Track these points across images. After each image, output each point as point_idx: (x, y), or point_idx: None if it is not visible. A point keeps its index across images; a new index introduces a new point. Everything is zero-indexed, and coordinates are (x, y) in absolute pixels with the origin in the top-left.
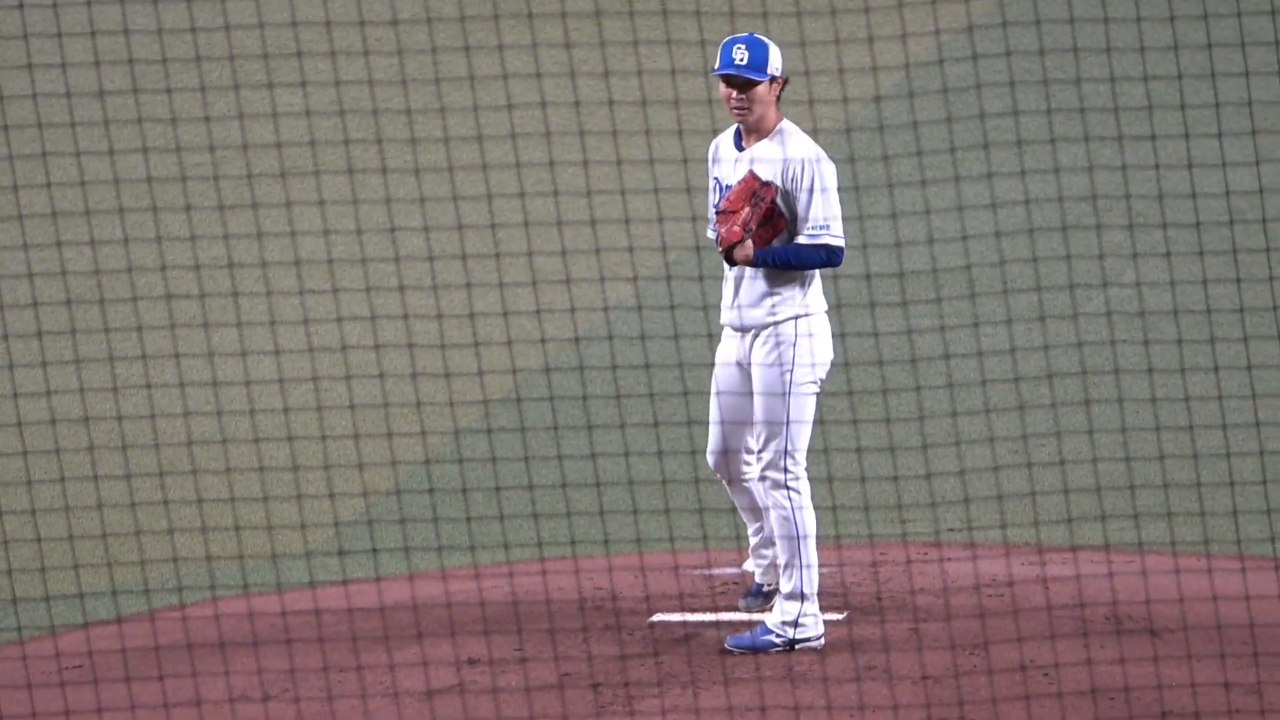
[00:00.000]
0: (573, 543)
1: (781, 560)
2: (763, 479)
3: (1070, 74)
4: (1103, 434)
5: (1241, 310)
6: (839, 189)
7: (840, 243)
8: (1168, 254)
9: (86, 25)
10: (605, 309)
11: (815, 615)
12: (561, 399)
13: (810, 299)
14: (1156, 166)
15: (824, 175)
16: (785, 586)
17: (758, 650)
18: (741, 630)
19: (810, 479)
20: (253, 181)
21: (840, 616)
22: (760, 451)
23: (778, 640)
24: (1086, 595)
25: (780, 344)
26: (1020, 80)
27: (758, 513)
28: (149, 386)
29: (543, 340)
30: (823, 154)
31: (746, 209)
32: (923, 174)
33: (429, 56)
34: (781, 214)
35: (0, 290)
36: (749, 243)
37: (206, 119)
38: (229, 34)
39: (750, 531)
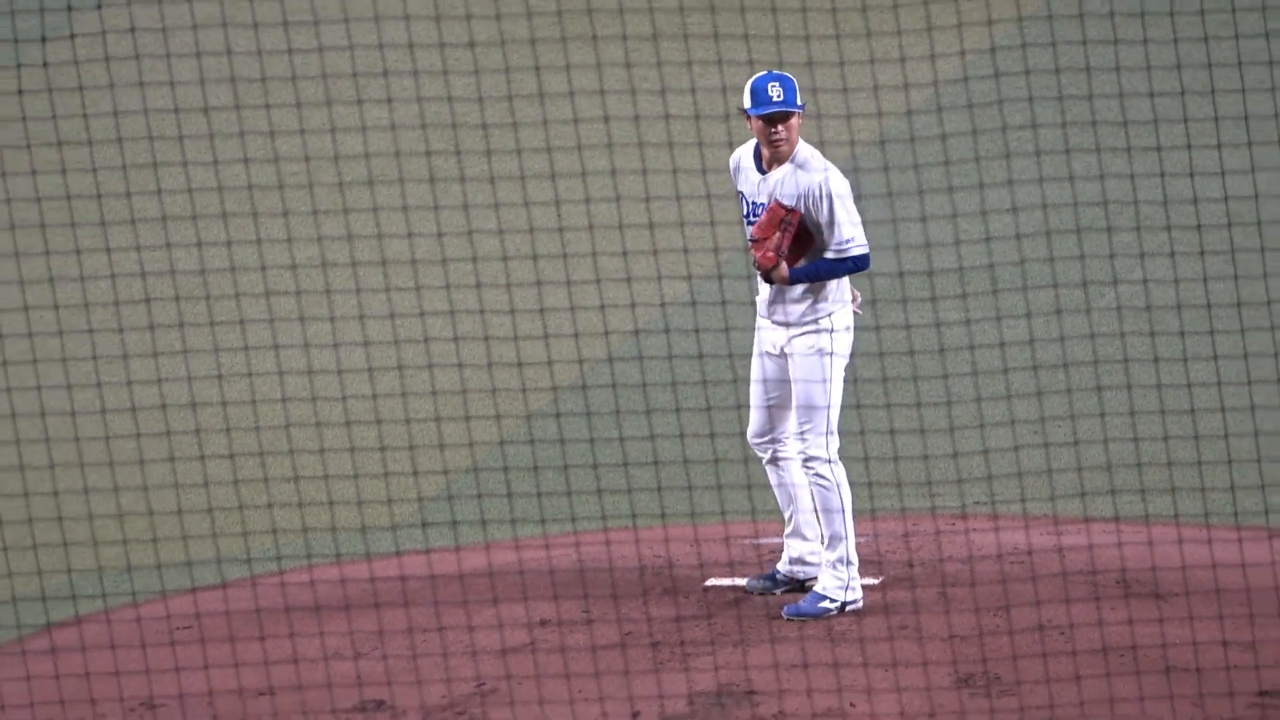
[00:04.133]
0: (633, 516)
1: (826, 533)
2: (806, 458)
3: (1084, 90)
4: (1113, 417)
5: (1239, 305)
6: (856, 197)
7: (864, 250)
8: (1172, 254)
9: (193, 47)
10: (662, 304)
11: (858, 580)
12: (623, 386)
13: (841, 296)
14: (1161, 174)
15: (839, 195)
16: (830, 556)
17: (816, 617)
18: (792, 600)
19: (847, 458)
20: (343, 189)
21: (876, 581)
22: (803, 433)
23: (831, 606)
24: (1098, 563)
25: (819, 335)
26: (1038, 96)
27: (789, 494)
28: (250, 374)
29: (606, 333)
30: (832, 171)
31: (777, 234)
32: (950, 181)
33: (503, 75)
34: (809, 230)
35: (116, 287)
36: (783, 265)
37: (301, 132)
38: (321, 55)
39: (785, 516)
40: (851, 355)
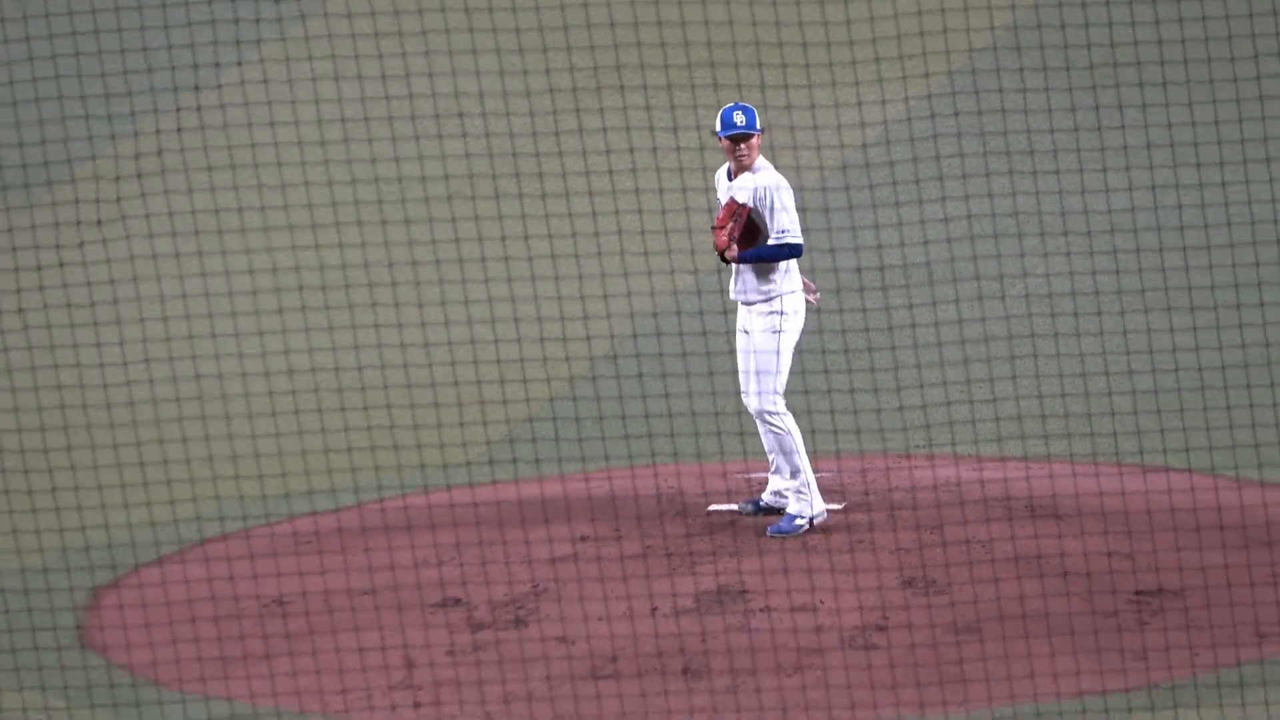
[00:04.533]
0: (653, 456)
1: (786, 469)
2: (759, 411)
3: (1000, 128)
4: (1022, 379)
5: (1119, 292)
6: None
7: (797, 241)
8: (1068, 253)
9: (311, 95)
10: (674, 292)
11: (819, 498)
12: (645, 356)
13: (791, 282)
14: (1060, 192)
15: (782, 197)
16: (794, 484)
17: (791, 533)
18: (773, 521)
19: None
20: (428, 203)
21: (840, 506)
22: (758, 392)
23: (802, 522)
24: (1011, 491)
25: (771, 316)
26: (965, 132)
27: (770, 444)
28: (355, 347)
29: (631, 315)
30: (783, 182)
31: (731, 224)
32: (896, 197)
33: (551, 116)
34: (758, 226)
35: (301, 279)
36: (734, 247)
37: (396, 160)
38: (412, 102)
39: (769, 458)
40: (805, 332)
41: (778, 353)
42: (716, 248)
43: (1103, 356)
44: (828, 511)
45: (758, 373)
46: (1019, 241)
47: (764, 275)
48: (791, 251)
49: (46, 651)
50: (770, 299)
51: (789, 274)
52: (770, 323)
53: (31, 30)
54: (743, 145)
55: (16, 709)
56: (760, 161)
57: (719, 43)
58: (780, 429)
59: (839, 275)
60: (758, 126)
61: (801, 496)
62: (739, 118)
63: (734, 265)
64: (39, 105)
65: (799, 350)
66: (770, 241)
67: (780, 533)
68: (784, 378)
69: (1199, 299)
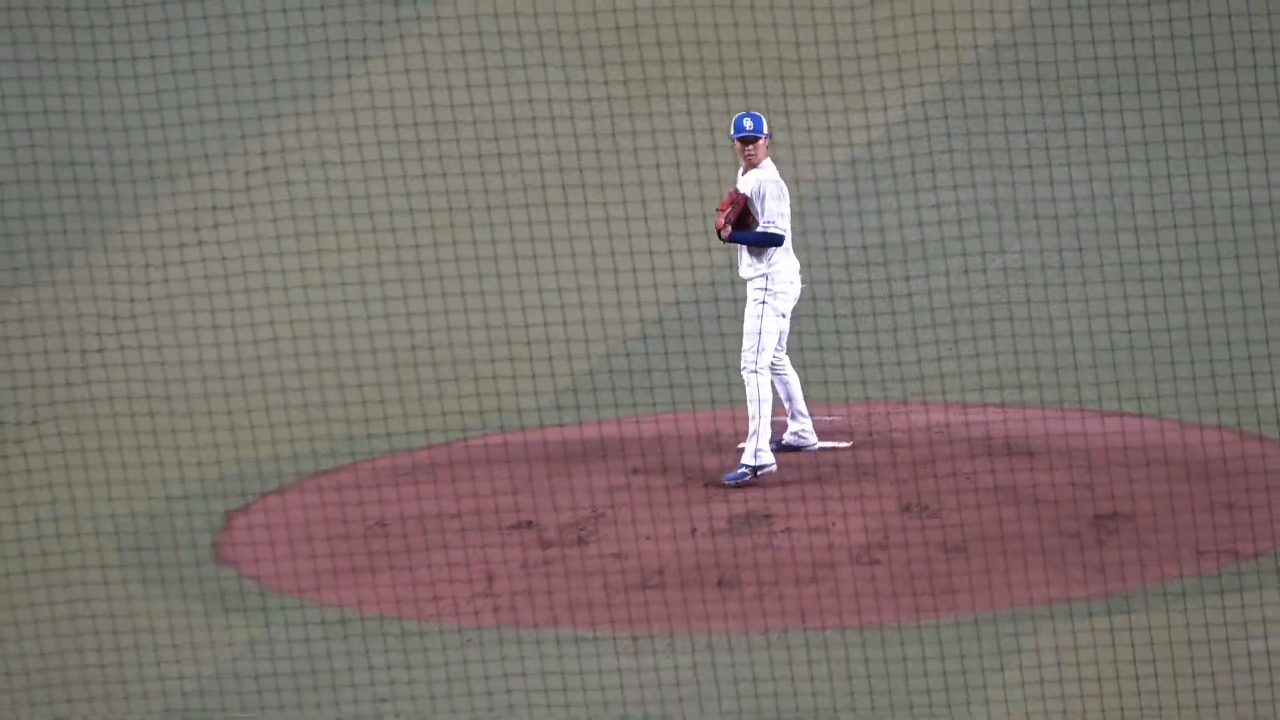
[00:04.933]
0: (692, 403)
1: (805, 415)
2: (742, 365)
3: (982, 128)
4: (1000, 338)
5: (1081, 266)
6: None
7: (779, 231)
8: (1038, 234)
9: (409, 101)
10: (711, 267)
11: (767, 451)
12: (686, 320)
13: (781, 266)
14: (1032, 183)
15: (774, 192)
16: (750, 433)
17: (737, 481)
18: (730, 470)
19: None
20: (505, 193)
21: (848, 444)
22: (743, 350)
23: (744, 472)
24: (990, 432)
25: (759, 291)
26: (952, 133)
27: (786, 392)
28: (445, 312)
29: (675, 286)
30: (778, 179)
31: (730, 209)
32: (896, 187)
33: (608, 119)
34: (751, 214)
35: (400, 256)
36: (729, 229)
37: (479, 156)
38: (492, 107)
39: (786, 406)
40: (820, 299)
41: (760, 319)
42: (716, 226)
43: (1067, 320)
44: (833, 449)
45: (746, 334)
46: (998, 224)
47: (757, 256)
48: (773, 239)
49: (187, 566)
50: (759, 276)
51: (779, 260)
52: (757, 296)
53: (178, 49)
54: (750, 146)
55: (163, 614)
56: (767, 162)
57: (748, 58)
58: (751, 388)
59: (848, 252)
60: (764, 131)
61: (751, 449)
62: (747, 123)
63: (739, 247)
64: (180, 111)
65: (814, 315)
66: (759, 228)
67: (731, 481)
68: (769, 344)
69: (1147, 272)
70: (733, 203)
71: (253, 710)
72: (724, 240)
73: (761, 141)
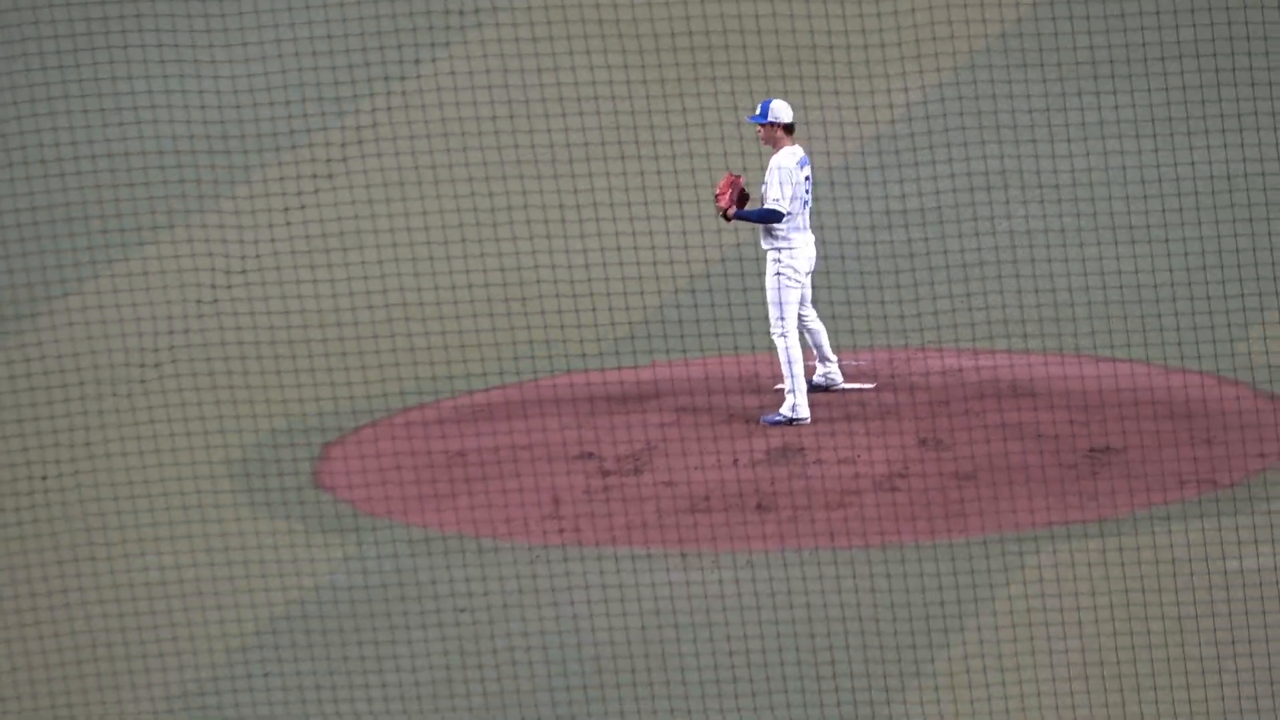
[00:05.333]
0: (735, 348)
1: (833, 360)
2: (770, 332)
3: (992, 108)
4: (1007, 293)
5: (1079, 229)
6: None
7: (779, 208)
8: (1041, 201)
9: (472, 94)
10: (750, 229)
11: (805, 403)
12: (731, 275)
13: (794, 241)
14: (1035, 157)
15: (774, 178)
16: (786, 390)
17: (771, 424)
18: (769, 412)
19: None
20: (571, 164)
21: (871, 386)
22: (770, 319)
23: (780, 419)
24: (998, 376)
25: (772, 264)
26: (965, 112)
27: (811, 340)
28: (519, 269)
29: (720, 246)
30: (782, 165)
31: (730, 191)
32: (916, 159)
33: (662, 99)
34: (746, 194)
35: (478, 218)
36: (732, 209)
37: (548, 130)
38: (560, 87)
39: (815, 353)
40: (849, 258)
41: (779, 290)
42: (719, 208)
43: (1066, 276)
44: (859, 390)
45: (768, 303)
46: (1004, 192)
47: (769, 233)
48: (771, 215)
49: (289, 491)
50: (774, 250)
51: (791, 235)
52: (773, 268)
53: (284, 34)
54: (759, 130)
55: (268, 533)
56: (786, 146)
57: (785, 46)
58: (782, 346)
59: (873, 215)
60: (767, 119)
61: (787, 402)
62: (757, 110)
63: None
64: (285, 89)
65: (842, 271)
66: (763, 205)
67: (769, 423)
68: (790, 310)
69: (1137, 235)
70: (731, 185)
71: (347, 618)
72: (728, 220)
73: (765, 128)
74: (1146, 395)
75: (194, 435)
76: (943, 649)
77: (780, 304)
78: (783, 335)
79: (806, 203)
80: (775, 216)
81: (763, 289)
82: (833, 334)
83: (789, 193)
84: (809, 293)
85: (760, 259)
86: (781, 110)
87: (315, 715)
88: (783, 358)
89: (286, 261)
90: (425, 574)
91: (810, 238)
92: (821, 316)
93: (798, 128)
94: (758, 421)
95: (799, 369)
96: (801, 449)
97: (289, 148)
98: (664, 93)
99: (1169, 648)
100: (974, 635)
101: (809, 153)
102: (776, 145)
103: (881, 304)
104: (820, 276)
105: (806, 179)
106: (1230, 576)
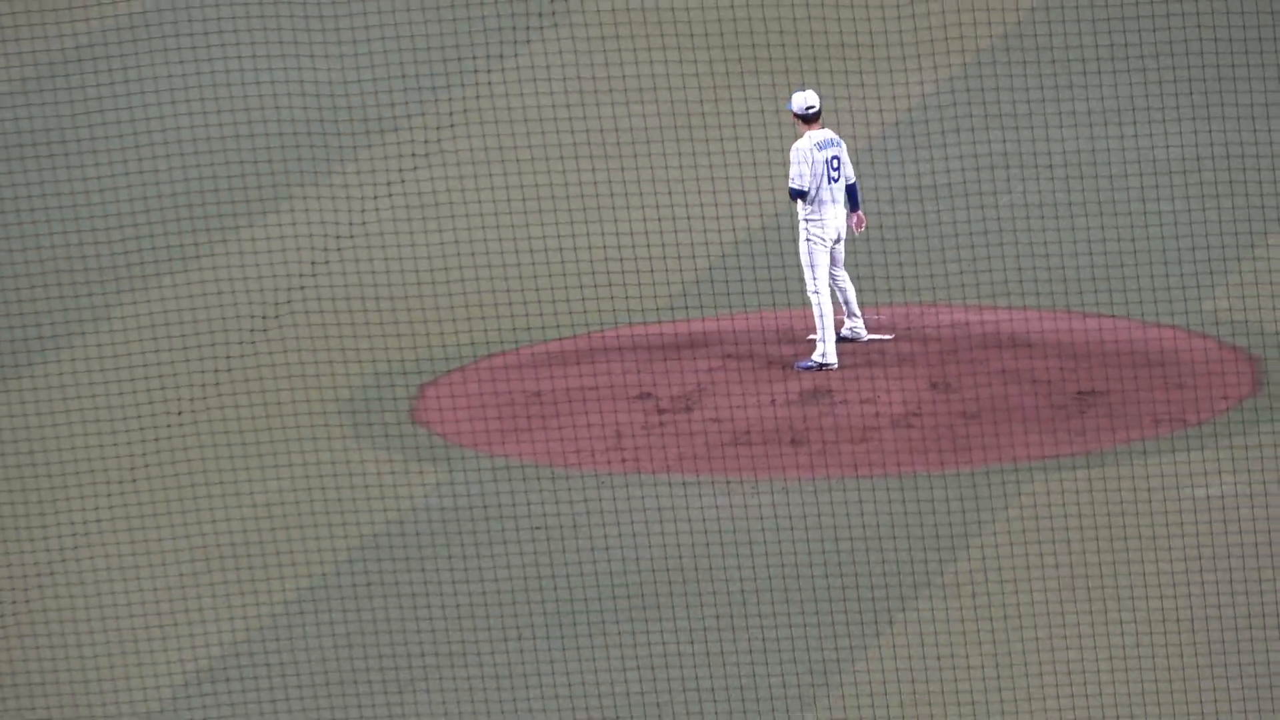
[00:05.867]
0: (774, 304)
1: (859, 315)
2: (804, 290)
3: (995, 99)
4: (1009, 259)
5: (1070, 204)
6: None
7: (796, 186)
8: (1037, 179)
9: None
10: (786, 200)
11: (833, 351)
12: (770, 241)
13: (817, 210)
14: (1032, 140)
15: (791, 157)
16: (818, 340)
17: (805, 369)
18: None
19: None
20: (634, 145)
21: (890, 336)
22: (804, 280)
23: (813, 364)
24: (999, 329)
25: (800, 232)
26: (972, 101)
27: (840, 298)
28: (588, 235)
29: (762, 214)
30: (800, 146)
31: None
32: (929, 142)
33: (712, 89)
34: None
35: (554, 192)
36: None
37: (614, 117)
38: (625, 79)
39: (844, 308)
40: (872, 227)
41: (809, 254)
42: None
43: (1059, 244)
44: (879, 340)
45: (801, 266)
46: (1005, 170)
47: (801, 205)
48: (793, 193)
49: (390, 425)
50: (803, 220)
51: (815, 208)
52: (802, 235)
53: (388, 32)
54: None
55: (372, 462)
56: (808, 131)
57: (819, 44)
58: (815, 302)
59: (893, 190)
60: (790, 108)
61: (818, 349)
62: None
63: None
64: (389, 80)
65: (866, 239)
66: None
67: (802, 368)
68: (820, 272)
69: (1119, 209)
70: None
71: (439, 535)
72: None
73: (792, 116)
74: (1126, 346)
75: (308, 377)
76: (950, 563)
77: (811, 266)
78: (815, 293)
79: (832, 179)
80: (797, 194)
81: (797, 252)
82: (858, 292)
83: (805, 172)
84: (841, 256)
85: (795, 227)
86: (794, 101)
87: (411, 619)
88: (816, 312)
89: (389, 229)
90: (506, 497)
91: (837, 209)
92: (851, 277)
93: (829, 114)
94: (793, 367)
95: (830, 322)
96: (829, 391)
97: (391, 130)
98: (714, 84)
99: (1144, 563)
100: (977, 552)
101: (842, 136)
102: (798, 131)
103: (900, 266)
104: (849, 243)
105: (831, 159)
106: (1197, 502)
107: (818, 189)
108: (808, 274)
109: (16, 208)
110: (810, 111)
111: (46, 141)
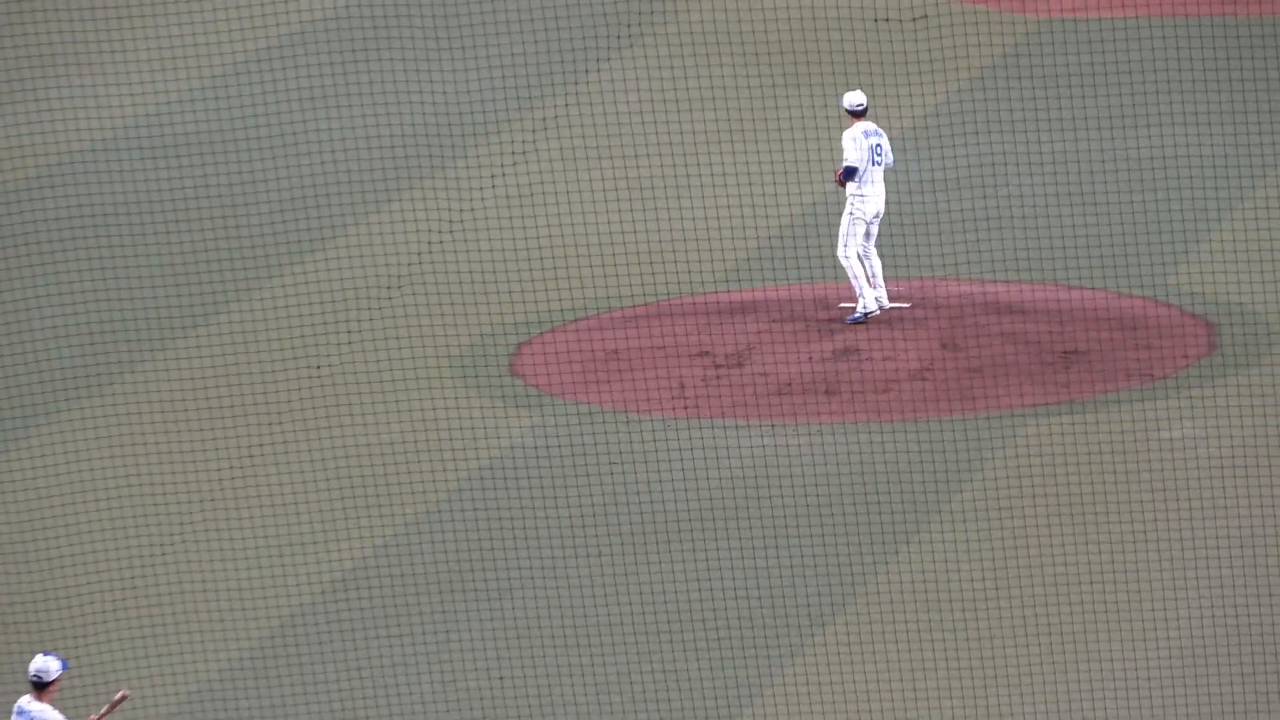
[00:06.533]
0: (812, 277)
1: (855, 289)
2: (836, 255)
3: (997, 109)
4: (1006, 240)
5: (1058, 195)
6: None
7: (850, 163)
8: (1030, 174)
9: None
10: (824, 190)
11: (872, 304)
12: (809, 225)
13: (862, 189)
14: (1027, 143)
15: (843, 142)
16: (857, 295)
17: (853, 323)
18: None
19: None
20: (673, 151)
21: (908, 304)
22: (837, 245)
23: (860, 315)
24: (1001, 299)
25: (848, 202)
26: (978, 110)
27: (869, 269)
28: (658, 219)
29: (812, 200)
30: (851, 133)
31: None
32: (942, 144)
33: (760, 101)
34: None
35: (628, 182)
36: (839, 177)
37: (679, 120)
38: (691, 91)
39: (871, 280)
40: (890, 213)
41: (848, 225)
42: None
43: (1048, 227)
44: (899, 307)
45: (838, 234)
46: (1005, 167)
47: (851, 182)
48: (847, 171)
49: (490, 377)
50: (849, 195)
51: (863, 186)
52: (847, 208)
53: (492, 49)
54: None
55: (477, 407)
56: (855, 124)
57: (849, 61)
58: (846, 266)
59: (910, 184)
60: (843, 104)
61: (859, 303)
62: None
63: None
64: (493, 89)
65: (889, 222)
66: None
67: (851, 321)
68: (853, 241)
69: (1099, 200)
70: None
71: (534, 470)
72: (841, 185)
73: (845, 111)
74: (1104, 313)
75: (425, 337)
76: (958, 493)
77: (846, 235)
78: (845, 258)
79: (877, 163)
80: (850, 172)
81: (833, 236)
82: (882, 267)
83: (857, 152)
84: (875, 233)
85: (840, 204)
86: (846, 99)
87: (510, 539)
88: (849, 273)
89: (492, 214)
90: (589, 438)
91: (879, 190)
92: (878, 254)
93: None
94: (829, 329)
95: (861, 280)
96: (857, 350)
97: (495, 132)
98: (763, 95)
99: (1119, 493)
100: (980, 484)
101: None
102: (846, 124)
103: (916, 245)
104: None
105: (875, 146)
106: (1163, 442)
107: (864, 170)
108: (840, 242)
109: (198, 195)
110: (859, 108)
111: (222, 140)
